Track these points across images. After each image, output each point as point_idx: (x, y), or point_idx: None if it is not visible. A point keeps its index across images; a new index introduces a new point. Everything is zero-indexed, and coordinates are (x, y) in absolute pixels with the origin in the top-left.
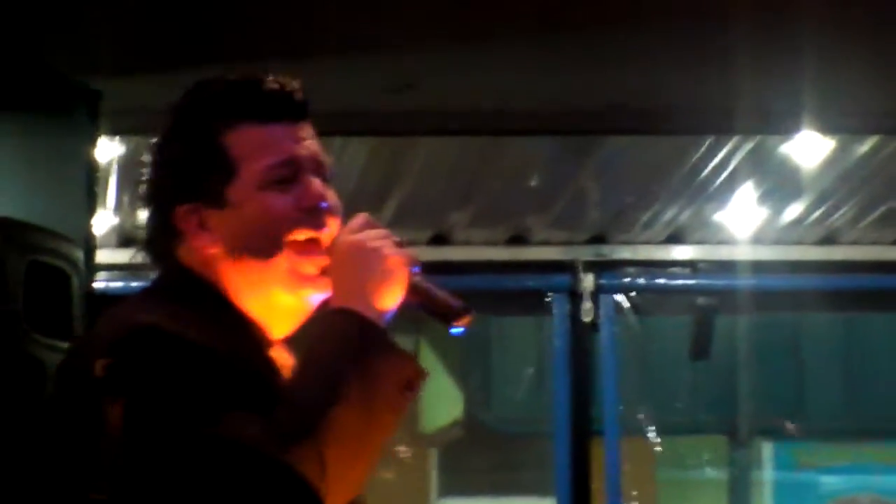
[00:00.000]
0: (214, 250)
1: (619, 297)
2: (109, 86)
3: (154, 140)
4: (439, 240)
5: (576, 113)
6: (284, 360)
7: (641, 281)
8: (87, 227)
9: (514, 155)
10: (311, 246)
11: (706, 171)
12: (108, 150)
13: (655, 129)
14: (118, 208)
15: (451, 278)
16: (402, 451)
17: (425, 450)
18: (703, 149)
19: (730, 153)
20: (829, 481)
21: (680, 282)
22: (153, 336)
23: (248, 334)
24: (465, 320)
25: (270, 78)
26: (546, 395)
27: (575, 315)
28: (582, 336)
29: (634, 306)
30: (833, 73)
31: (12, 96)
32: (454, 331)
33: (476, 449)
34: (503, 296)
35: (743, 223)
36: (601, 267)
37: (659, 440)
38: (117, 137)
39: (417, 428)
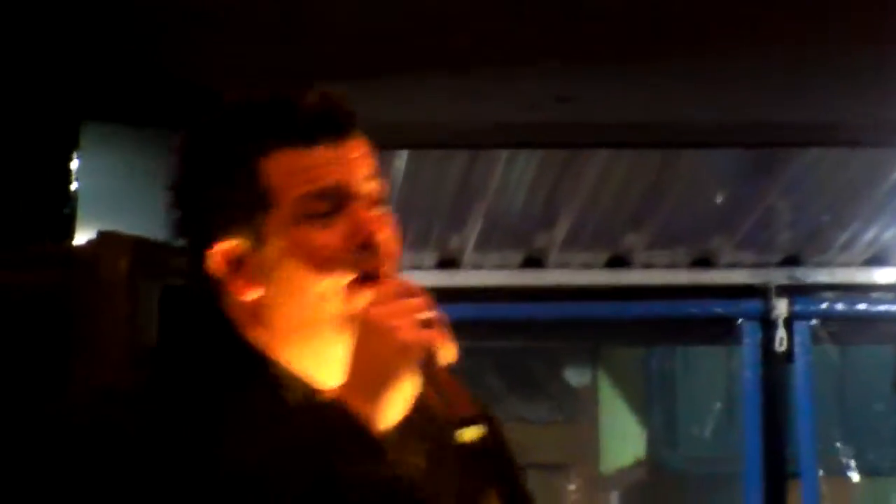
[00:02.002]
0: (253, 296)
1: (816, 325)
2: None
3: (176, 160)
4: (617, 262)
5: (764, 124)
6: (344, 409)
7: (840, 307)
8: None
9: (696, 171)
10: (362, 284)
11: None
12: None
13: (853, 142)
14: None
15: (630, 304)
16: (578, 493)
17: (605, 493)
18: None
19: None
20: None
21: (883, 308)
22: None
23: (284, 401)
24: (473, 433)
25: (308, 93)
26: (736, 432)
27: (767, 344)
28: (775, 367)
29: (833, 334)
30: None
31: (137, 110)
32: (458, 441)
33: (660, 491)
34: (688, 323)
35: None
36: (796, 291)
37: (861, 481)
38: None
39: (596, 469)
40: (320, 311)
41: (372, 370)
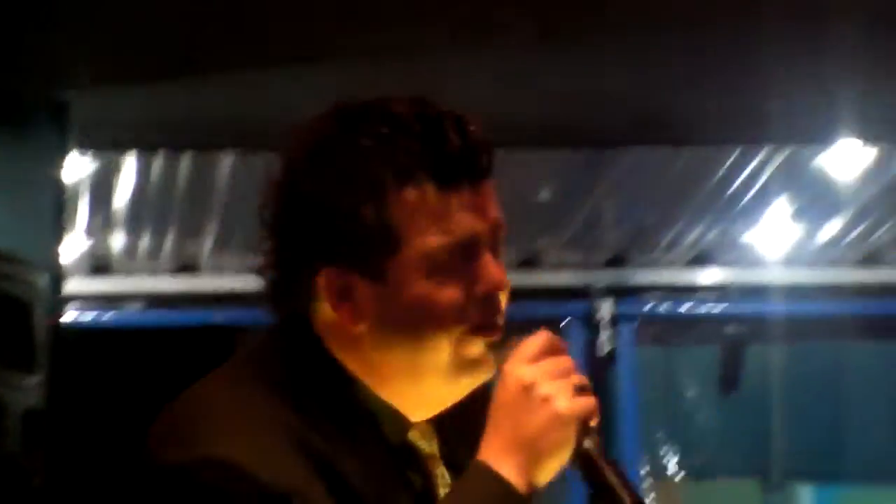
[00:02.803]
0: (360, 328)
1: (640, 326)
2: (79, 98)
3: (288, 162)
4: None
5: (589, 124)
6: (427, 446)
7: (664, 308)
8: (54, 251)
9: (522, 170)
10: (478, 333)
11: (734, 187)
12: (79, 166)
13: (678, 140)
14: (91, 231)
15: None
16: None
17: None
18: (730, 161)
19: (760, 166)
20: None
21: (707, 309)
22: (219, 485)
23: (370, 428)
24: None
25: (452, 125)
26: None
27: (591, 345)
28: (599, 368)
29: (657, 336)
30: (873, 77)
31: None
32: None
33: None
34: (512, 325)
35: (775, 243)
36: (620, 293)
37: (684, 482)
38: (89, 153)
39: None
40: (429, 358)
41: (526, 437)
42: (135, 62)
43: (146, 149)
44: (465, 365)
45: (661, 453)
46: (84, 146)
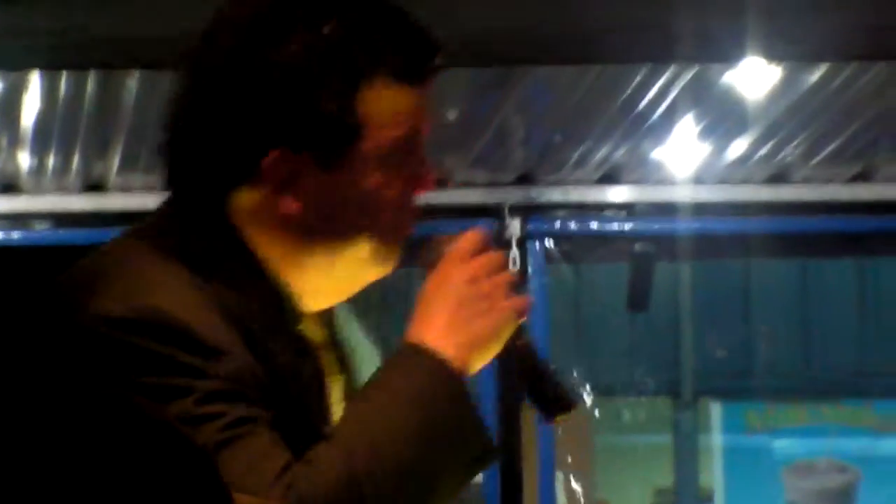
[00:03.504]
0: (293, 213)
1: (549, 244)
2: None
3: (248, 33)
4: None
5: (494, 41)
6: (315, 334)
7: (573, 226)
8: None
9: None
10: (404, 230)
11: (642, 105)
12: None
13: (584, 58)
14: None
15: None
16: None
17: None
18: (637, 79)
19: (667, 84)
20: (783, 445)
21: (615, 226)
22: (156, 326)
23: (278, 312)
24: (563, 417)
25: (413, 21)
26: None
27: None
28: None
29: (566, 254)
30: None
31: None
32: (549, 421)
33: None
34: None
35: (683, 161)
36: (529, 211)
37: (595, 402)
38: None
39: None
40: (350, 249)
41: (463, 325)
42: None
43: (52, 67)
44: (379, 260)
45: (572, 373)
46: None
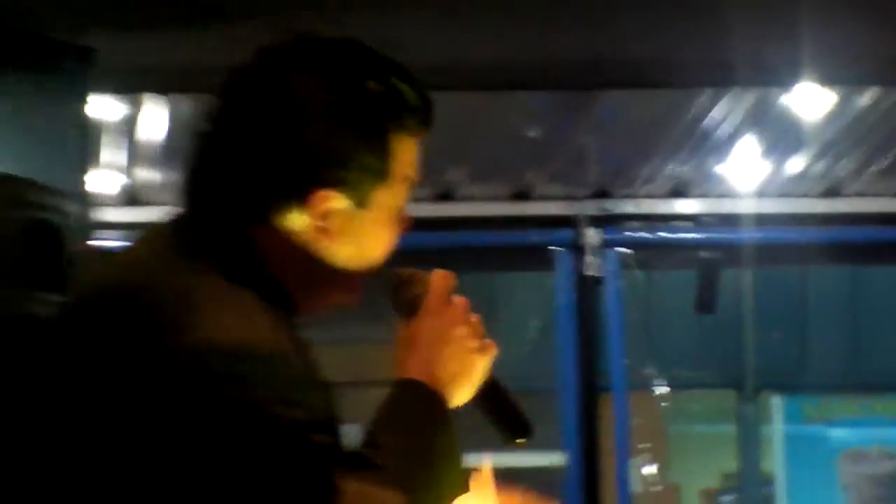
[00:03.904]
0: (325, 243)
1: (624, 252)
2: (105, 44)
3: (304, 90)
4: (443, 196)
5: (573, 66)
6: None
7: (645, 235)
8: (81, 182)
9: (511, 110)
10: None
11: (706, 124)
12: (113, 110)
13: (653, 83)
14: (123, 168)
15: (455, 234)
16: None
17: None
18: (702, 101)
19: (730, 106)
20: (838, 434)
21: (683, 235)
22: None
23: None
24: (525, 441)
25: (417, 81)
26: (552, 350)
27: (579, 270)
28: (587, 291)
29: (639, 261)
30: (831, 23)
31: (3, 56)
32: (511, 444)
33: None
34: (507, 252)
35: (745, 176)
36: (604, 221)
37: (666, 395)
38: (119, 98)
39: None
40: (351, 273)
41: (446, 367)
42: (153, 10)
43: (172, 90)
44: (361, 285)
45: (645, 368)
46: (107, 89)
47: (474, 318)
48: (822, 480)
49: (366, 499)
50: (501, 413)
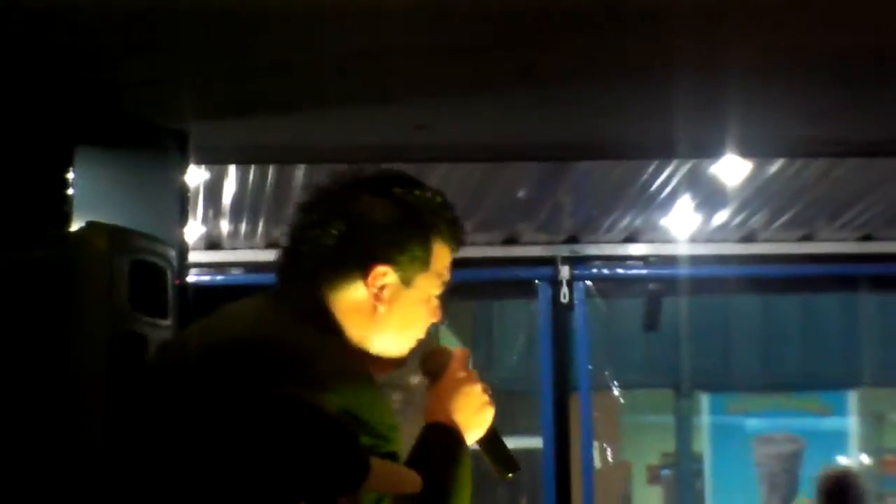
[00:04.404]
0: (380, 311)
1: (589, 284)
2: (198, 127)
3: (364, 193)
4: None
5: (553, 144)
6: None
7: (605, 271)
8: (180, 233)
9: (508, 176)
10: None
11: (654, 187)
12: (196, 175)
13: (613, 156)
14: (205, 220)
15: (462, 271)
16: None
17: None
18: (651, 170)
19: (671, 173)
20: (753, 423)
21: (635, 272)
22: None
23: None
24: (512, 474)
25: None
26: (534, 360)
27: (556, 298)
28: (561, 314)
29: (600, 291)
30: (749, 111)
31: (122, 136)
32: (502, 477)
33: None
34: (500, 284)
35: (682, 226)
36: (575, 261)
37: (621, 393)
38: (203, 166)
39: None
40: (400, 340)
41: (468, 418)
42: (236, 103)
43: (245, 162)
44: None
45: (605, 373)
46: (200, 160)
47: (483, 384)
48: (740, 459)
49: (391, 473)
50: (498, 452)
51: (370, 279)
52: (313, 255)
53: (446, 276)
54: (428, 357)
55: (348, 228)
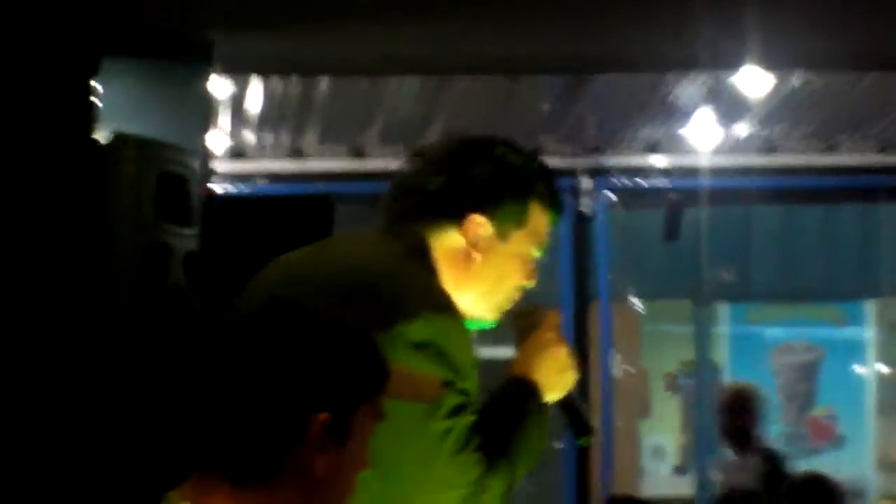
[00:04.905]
0: (476, 257)
1: (609, 195)
2: (222, 38)
3: (452, 152)
4: None
5: (575, 56)
6: None
7: (627, 183)
8: (202, 143)
9: (528, 91)
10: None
11: (673, 99)
12: (222, 87)
13: (633, 68)
14: (230, 131)
15: None
16: None
17: None
18: (670, 81)
19: (691, 85)
20: (772, 333)
21: (656, 183)
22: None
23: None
24: (589, 438)
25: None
26: (555, 269)
27: (576, 209)
28: (582, 225)
29: (622, 202)
30: (770, 19)
31: (146, 47)
32: (578, 443)
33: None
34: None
35: (703, 138)
36: (596, 172)
37: (640, 302)
38: (227, 77)
39: None
40: (494, 294)
41: (551, 376)
42: (260, 14)
43: (269, 72)
44: (497, 310)
45: (625, 283)
46: (224, 70)
47: (569, 348)
48: (758, 368)
49: (413, 378)
50: (573, 416)
51: (466, 227)
52: (418, 199)
53: (544, 239)
54: (521, 314)
55: (449, 179)
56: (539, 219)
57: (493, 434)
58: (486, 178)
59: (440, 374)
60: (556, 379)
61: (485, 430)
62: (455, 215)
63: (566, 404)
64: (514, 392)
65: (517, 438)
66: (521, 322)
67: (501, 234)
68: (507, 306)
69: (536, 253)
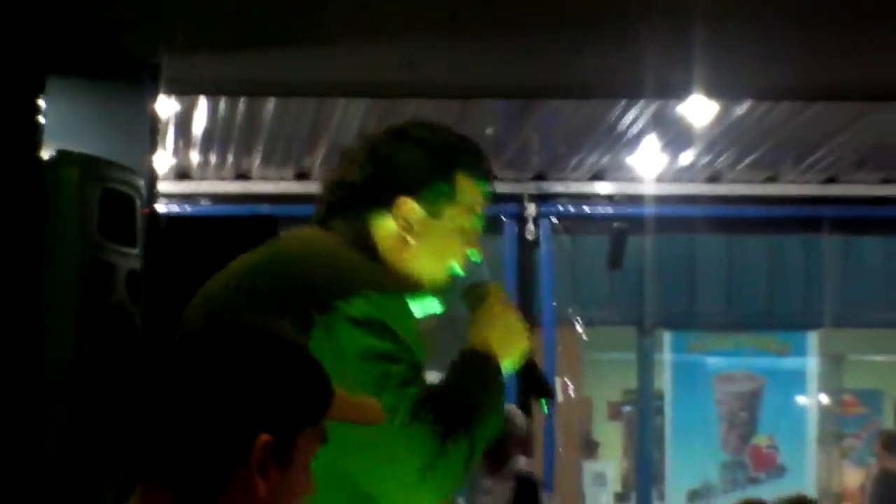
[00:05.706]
0: (411, 240)
1: (554, 222)
2: (168, 58)
3: (373, 144)
4: None
5: (523, 82)
6: None
7: (571, 209)
8: (150, 163)
9: (475, 115)
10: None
11: (620, 126)
12: (168, 107)
13: (580, 95)
14: (175, 151)
15: None
16: None
17: None
18: (617, 109)
19: (637, 113)
20: (714, 362)
21: (600, 210)
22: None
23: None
24: (552, 402)
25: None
26: None
27: (521, 235)
28: (526, 251)
29: (566, 228)
30: (717, 50)
31: (93, 66)
32: (542, 408)
33: (447, 335)
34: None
35: (648, 166)
36: (541, 198)
37: (583, 329)
38: (174, 97)
39: None
40: (439, 271)
41: (504, 343)
42: (208, 35)
43: (216, 93)
44: (435, 281)
45: (568, 309)
46: (171, 91)
47: (519, 315)
48: (700, 397)
49: (354, 402)
50: (533, 381)
51: (396, 212)
52: (349, 193)
53: (478, 207)
54: (468, 290)
55: (375, 169)
56: (469, 190)
57: (451, 403)
58: (409, 161)
59: (383, 347)
60: (510, 344)
61: (442, 400)
62: (385, 203)
63: (525, 370)
64: (470, 361)
65: (476, 406)
66: (469, 297)
67: (434, 213)
68: (455, 280)
69: (475, 223)
